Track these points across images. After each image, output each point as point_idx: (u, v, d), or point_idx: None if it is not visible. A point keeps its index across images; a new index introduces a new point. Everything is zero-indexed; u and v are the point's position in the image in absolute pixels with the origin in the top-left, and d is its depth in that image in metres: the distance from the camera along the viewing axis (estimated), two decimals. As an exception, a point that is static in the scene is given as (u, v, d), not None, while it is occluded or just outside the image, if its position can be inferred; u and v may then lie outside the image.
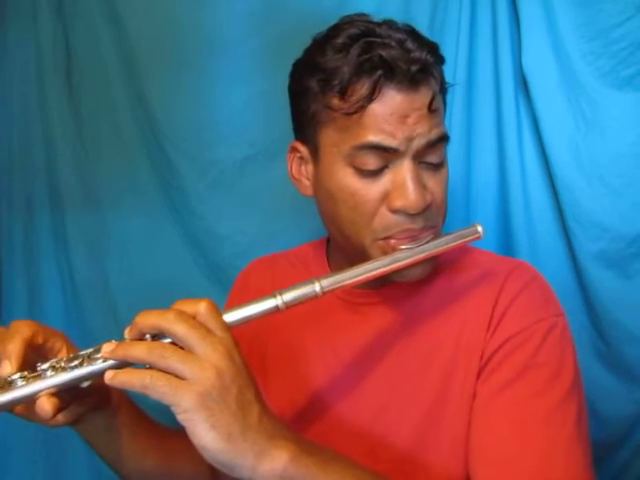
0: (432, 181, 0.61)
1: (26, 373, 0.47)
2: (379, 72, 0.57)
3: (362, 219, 0.61)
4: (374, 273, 0.58)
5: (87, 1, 1.22)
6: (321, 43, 0.63)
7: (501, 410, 0.58)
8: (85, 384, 0.48)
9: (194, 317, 0.46)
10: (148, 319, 0.46)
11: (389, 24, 0.61)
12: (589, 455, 0.58)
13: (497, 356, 0.61)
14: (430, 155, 0.60)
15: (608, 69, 0.98)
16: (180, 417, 0.43)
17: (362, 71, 0.58)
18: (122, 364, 0.46)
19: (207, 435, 0.43)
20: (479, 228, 0.61)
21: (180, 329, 0.44)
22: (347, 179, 0.60)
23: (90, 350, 0.48)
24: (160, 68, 1.19)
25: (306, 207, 1.15)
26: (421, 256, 0.59)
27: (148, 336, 0.46)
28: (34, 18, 1.25)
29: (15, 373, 0.47)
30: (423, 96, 0.59)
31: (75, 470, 1.28)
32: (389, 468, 0.62)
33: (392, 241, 0.60)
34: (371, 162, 0.59)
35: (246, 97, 1.17)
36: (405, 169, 0.59)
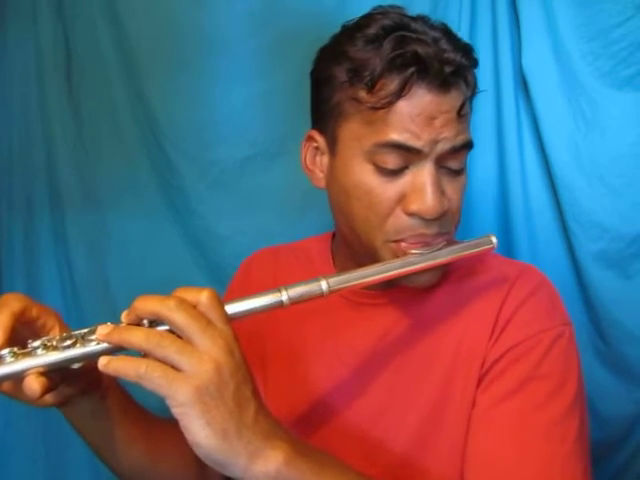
0: (450, 187, 0.59)
1: (16, 349, 0.45)
2: (412, 69, 0.54)
3: (376, 218, 0.59)
4: (383, 276, 0.56)
5: (87, 1, 1.22)
6: (352, 32, 0.59)
7: (499, 422, 0.57)
8: (76, 366, 0.46)
9: (195, 306, 0.44)
10: (148, 304, 0.44)
11: (424, 20, 0.59)
12: (588, 472, 0.56)
13: (499, 365, 0.59)
14: (452, 161, 0.59)
15: (608, 69, 0.99)
16: (174, 411, 0.41)
17: (394, 66, 0.55)
18: (117, 348, 0.44)
19: (201, 431, 0.41)
20: (493, 239, 0.60)
21: (180, 318, 0.42)
22: (365, 176, 0.58)
23: (84, 330, 0.46)
24: (160, 68, 1.19)
25: (306, 207, 1.16)
26: (433, 262, 0.58)
27: (145, 321, 0.44)
28: (34, 18, 1.25)
29: (2, 347, 0.45)
30: (453, 99, 0.57)
31: (75, 470, 1.28)
32: (386, 472, 0.62)
33: (403, 244, 0.59)
34: (392, 161, 0.57)
35: (246, 97, 1.17)
36: (426, 172, 0.57)
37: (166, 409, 0.42)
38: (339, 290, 0.52)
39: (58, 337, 0.46)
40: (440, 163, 0.58)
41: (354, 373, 0.67)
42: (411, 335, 0.65)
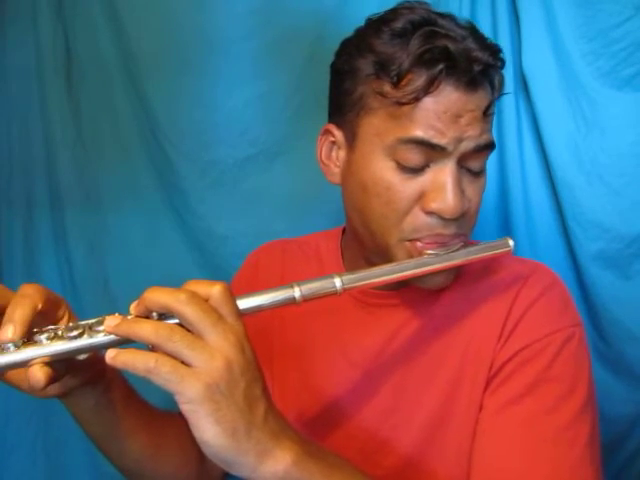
0: (470, 188, 0.58)
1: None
2: (440, 65, 0.53)
3: (393, 216, 0.57)
4: (398, 276, 0.55)
5: (87, 1, 1.22)
6: (377, 25, 0.58)
7: (507, 426, 0.56)
8: (82, 357, 0.45)
9: (206, 300, 0.43)
10: (158, 297, 0.42)
11: (451, 17, 0.58)
12: (600, 477, 0.55)
13: (507, 367, 0.58)
14: (474, 161, 0.57)
15: (608, 69, 0.99)
16: (183, 407, 0.40)
17: (422, 61, 0.54)
18: (124, 340, 0.43)
19: (210, 430, 0.40)
20: (510, 242, 0.59)
21: (191, 312, 0.41)
22: (385, 172, 0.57)
23: (92, 321, 0.45)
24: (160, 68, 1.19)
25: (307, 207, 1.16)
26: (448, 264, 0.57)
27: (154, 314, 0.43)
28: (34, 18, 1.25)
29: (17, 340, 0.43)
30: (479, 99, 0.56)
31: (75, 470, 1.28)
32: (391, 473, 0.62)
33: (419, 244, 0.57)
34: (414, 158, 0.55)
35: (246, 97, 1.17)
36: (448, 171, 0.56)
37: (168, 402, 0.42)
38: (353, 288, 0.51)
39: (64, 327, 0.45)
40: (462, 163, 0.57)
41: (362, 373, 0.66)
42: (420, 336, 0.64)
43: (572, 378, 0.57)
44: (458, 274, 0.65)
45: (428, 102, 0.54)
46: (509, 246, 0.59)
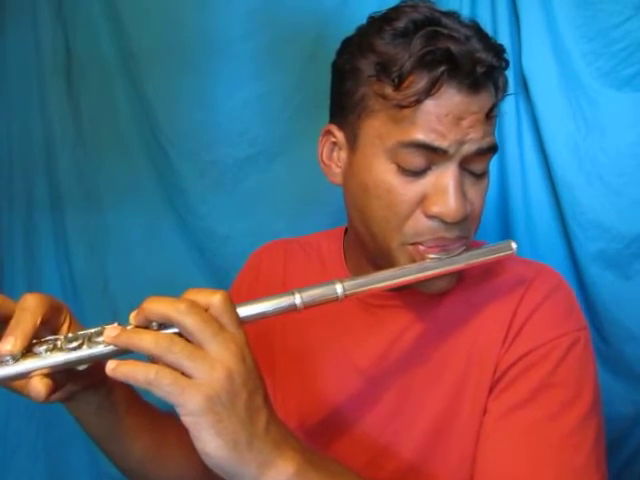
0: (473, 191, 0.57)
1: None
2: (442, 68, 0.52)
3: (395, 219, 0.56)
4: (400, 281, 0.54)
5: (87, 1, 1.22)
6: (379, 24, 0.56)
7: (511, 431, 0.55)
8: (82, 367, 0.44)
9: (207, 309, 0.42)
10: (158, 307, 0.42)
11: (455, 16, 0.56)
12: None
13: (512, 372, 0.57)
14: (476, 164, 0.56)
15: (608, 69, 0.99)
16: (184, 419, 0.40)
17: (424, 63, 0.52)
18: (124, 351, 0.43)
19: (212, 441, 0.40)
20: (513, 245, 0.58)
21: (191, 322, 0.40)
22: (386, 175, 0.56)
23: (91, 331, 0.45)
24: (160, 68, 1.19)
25: (307, 207, 1.16)
26: (450, 268, 0.56)
27: (154, 323, 0.43)
28: (34, 18, 1.25)
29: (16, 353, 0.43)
30: (482, 100, 0.55)
31: (76, 470, 1.28)
32: (393, 476, 0.62)
33: (421, 248, 0.57)
34: (415, 161, 0.54)
35: (246, 97, 1.17)
36: (449, 174, 0.55)
37: (168, 404, 0.41)
38: (354, 294, 0.50)
39: (64, 338, 0.45)
40: (464, 165, 0.56)
41: (365, 376, 0.66)
42: (424, 339, 0.63)
43: (577, 383, 0.56)
44: (461, 276, 0.64)
45: (429, 105, 0.53)
46: (512, 249, 0.58)
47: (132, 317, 0.43)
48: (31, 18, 1.25)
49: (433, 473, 0.60)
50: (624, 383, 1.03)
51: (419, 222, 0.56)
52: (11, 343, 0.43)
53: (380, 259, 0.60)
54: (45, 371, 0.44)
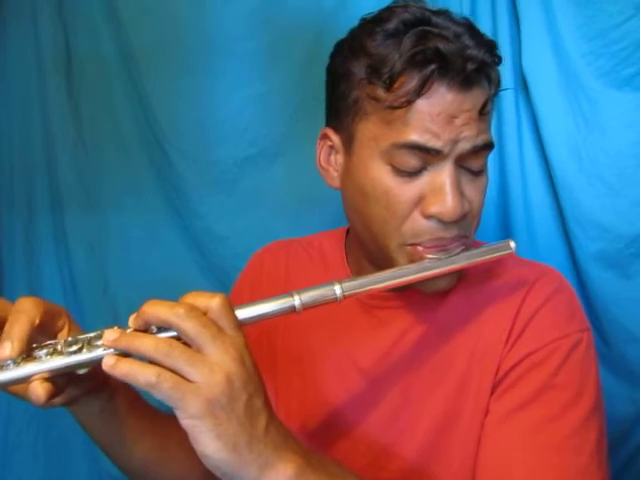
0: (471, 189, 0.57)
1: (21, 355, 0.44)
2: (432, 67, 0.52)
3: (393, 220, 0.56)
4: (399, 281, 0.54)
5: (87, 1, 1.22)
6: (371, 26, 0.56)
7: (513, 433, 0.55)
8: (82, 371, 0.44)
9: (205, 313, 0.42)
10: (156, 311, 0.42)
11: (446, 14, 0.56)
12: None
13: (514, 373, 0.57)
14: (472, 161, 0.56)
15: (608, 69, 0.99)
16: (184, 422, 0.40)
17: (414, 63, 0.52)
18: (123, 354, 0.43)
19: (211, 444, 0.40)
20: (512, 244, 0.58)
21: (190, 327, 0.41)
22: (382, 177, 0.56)
23: (91, 335, 0.45)
24: (160, 68, 1.19)
25: (307, 207, 1.16)
26: (450, 268, 0.55)
27: (154, 327, 0.43)
28: (34, 18, 1.25)
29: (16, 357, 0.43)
30: (475, 97, 0.54)
31: (75, 470, 1.29)
32: (395, 477, 0.62)
33: (420, 248, 0.56)
34: (410, 162, 0.54)
35: (246, 97, 1.17)
36: (445, 173, 0.54)
37: (170, 407, 0.42)
38: (354, 295, 0.50)
39: (64, 342, 0.45)
40: (460, 163, 0.55)
41: (367, 377, 0.66)
42: (425, 339, 0.63)
43: (579, 385, 0.56)
44: (462, 277, 0.64)
45: (421, 104, 0.53)
46: (511, 248, 0.58)
47: (131, 321, 0.44)
48: (31, 18, 1.25)
49: (435, 474, 0.60)
50: (624, 383, 1.03)
51: (417, 223, 0.56)
52: (8, 347, 0.43)
53: (380, 260, 0.60)
54: (45, 375, 0.44)
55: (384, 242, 0.58)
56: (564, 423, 0.54)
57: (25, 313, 0.45)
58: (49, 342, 0.45)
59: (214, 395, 0.40)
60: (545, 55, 1.01)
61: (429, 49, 0.52)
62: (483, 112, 0.55)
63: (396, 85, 0.53)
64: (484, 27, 1.05)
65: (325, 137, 0.64)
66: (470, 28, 0.55)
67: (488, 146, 0.56)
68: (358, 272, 0.69)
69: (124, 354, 0.43)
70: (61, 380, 0.47)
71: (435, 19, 0.54)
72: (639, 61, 0.97)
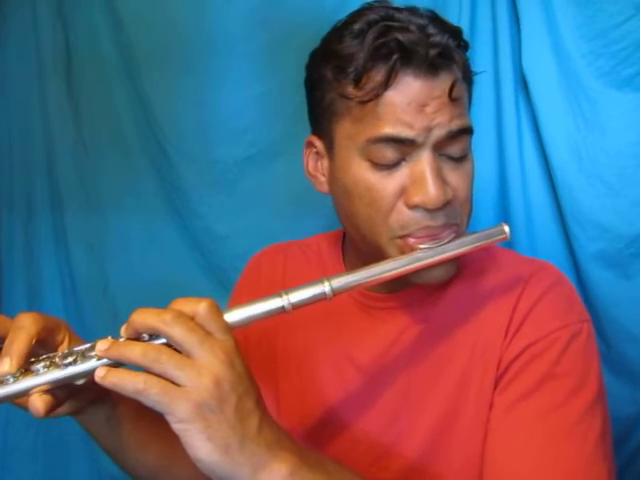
0: (454, 175, 0.56)
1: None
2: (395, 57, 0.53)
3: (378, 216, 0.57)
4: (390, 274, 0.53)
5: (87, 1, 1.23)
6: (339, 30, 0.58)
7: (517, 423, 0.55)
8: (80, 382, 0.45)
9: (193, 318, 0.43)
10: (144, 319, 0.43)
11: (411, 10, 0.57)
12: (613, 472, 0.54)
13: (515, 365, 0.57)
14: (451, 147, 0.56)
15: (608, 69, 0.99)
16: (175, 427, 0.40)
17: (378, 56, 0.53)
18: (117, 364, 0.44)
19: (203, 447, 0.40)
20: (506, 228, 0.56)
21: (177, 332, 0.41)
22: (362, 173, 0.56)
23: (85, 347, 0.46)
24: (160, 68, 1.19)
25: (307, 207, 1.16)
26: (442, 257, 0.55)
27: (145, 335, 0.44)
28: (34, 18, 1.25)
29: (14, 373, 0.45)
30: (443, 83, 0.54)
31: (75, 470, 1.28)
32: (397, 477, 0.61)
33: (411, 240, 0.56)
34: (387, 155, 0.55)
35: (246, 97, 1.17)
36: (424, 162, 0.54)
37: None
38: (344, 292, 0.50)
39: (60, 355, 0.46)
40: (439, 151, 0.55)
41: (366, 378, 0.66)
42: (424, 338, 0.63)
43: (581, 373, 0.56)
44: (461, 274, 0.64)
45: (391, 96, 0.53)
46: (505, 233, 0.56)
47: (123, 330, 0.44)
48: (31, 18, 1.26)
49: (438, 472, 0.60)
50: (624, 383, 1.03)
51: (403, 215, 0.56)
52: (7, 363, 0.44)
53: (375, 259, 0.60)
54: (44, 387, 0.45)
55: (374, 239, 0.58)
56: (568, 411, 0.54)
57: (24, 329, 0.47)
58: (47, 355, 0.47)
59: (202, 398, 0.40)
60: (545, 55, 1.01)
61: (391, 41, 0.53)
62: (453, 97, 0.55)
63: (363, 80, 0.54)
64: (484, 27, 1.06)
65: (310, 145, 0.65)
66: (434, 19, 0.56)
67: (465, 131, 0.56)
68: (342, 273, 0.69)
69: (117, 364, 0.43)
70: (61, 392, 0.48)
71: (398, 15, 0.55)
72: (639, 61, 0.97)
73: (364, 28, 0.55)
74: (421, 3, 1.05)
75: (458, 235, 0.57)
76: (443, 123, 0.54)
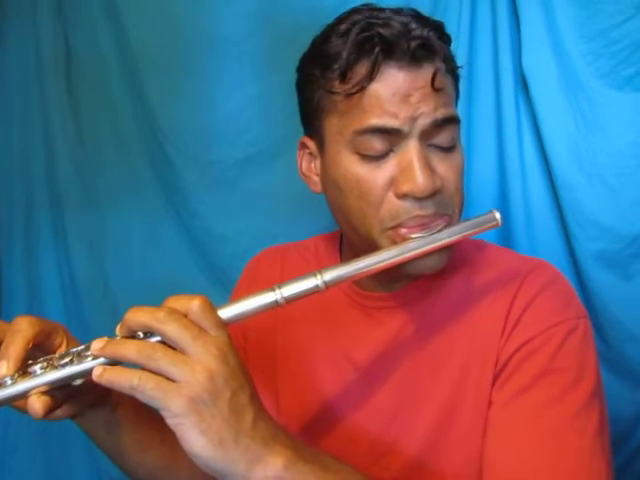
0: (443, 165, 0.57)
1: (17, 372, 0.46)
2: (377, 49, 0.55)
3: (369, 208, 0.57)
4: (382, 265, 0.53)
5: (87, 1, 1.22)
6: (326, 31, 0.61)
7: (515, 418, 0.55)
8: (78, 382, 0.46)
9: (186, 315, 0.44)
10: (138, 317, 0.43)
11: (394, 10, 0.59)
12: (610, 466, 0.54)
13: (513, 362, 0.58)
14: (438, 137, 0.57)
15: (608, 69, 0.99)
16: (169, 422, 0.41)
17: (361, 51, 0.56)
18: (112, 363, 0.44)
19: (197, 441, 0.41)
20: (497, 215, 0.56)
21: (171, 329, 0.42)
22: (352, 166, 0.58)
23: (81, 347, 0.46)
24: (160, 68, 1.19)
25: (306, 207, 1.16)
26: (433, 246, 0.55)
27: (140, 333, 0.44)
28: (34, 18, 1.25)
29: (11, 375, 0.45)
30: (426, 73, 0.56)
31: (75, 470, 1.28)
32: (398, 476, 0.62)
33: (402, 230, 0.57)
34: (375, 146, 0.56)
35: (246, 97, 1.17)
36: (411, 151, 0.55)
37: None
38: (336, 284, 0.51)
39: (57, 356, 0.46)
40: (426, 141, 0.57)
41: (364, 377, 0.66)
42: (421, 336, 0.64)
43: (578, 368, 0.56)
44: (456, 272, 0.64)
45: (375, 88, 0.55)
46: (496, 220, 0.56)
47: (118, 329, 0.45)
48: (31, 18, 1.25)
49: (439, 470, 0.60)
50: (624, 383, 1.03)
51: (393, 205, 0.57)
52: (4, 366, 0.45)
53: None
54: (42, 389, 0.45)
55: (367, 233, 0.59)
56: (565, 405, 0.54)
57: (20, 333, 0.48)
58: (44, 357, 0.47)
59: (196, 393, 0.41)
60: (545, 55, 1.01)
61: (374, 36, 0.55)
62: (436, 87, 0.56)
63: (349, 75, 0.56)
64: (484, 27, 1.06)
65: (303, 146, 0.66)
66: (415, 16, 0.58)
67: (451, 120, 0.58)
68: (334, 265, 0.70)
69: (114, 363, 0.44)
70: (59, 393, 0.48)
71: (382, 14, 0.57)
72: (639, 61, 0.97)
73: (349, 27, 0.57)
74: (421, 3, 1.06)
75: (449, 224, 0.58)
76: (427, 112, 0.55)
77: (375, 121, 0.55)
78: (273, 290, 0.48)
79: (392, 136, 0.56)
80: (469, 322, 0.62)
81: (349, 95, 0.56)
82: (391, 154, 0.57)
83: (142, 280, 1.23)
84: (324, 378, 0.69)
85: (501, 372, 0.59)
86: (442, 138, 0.57)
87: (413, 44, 0.55)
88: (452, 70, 0.60)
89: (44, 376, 0.45)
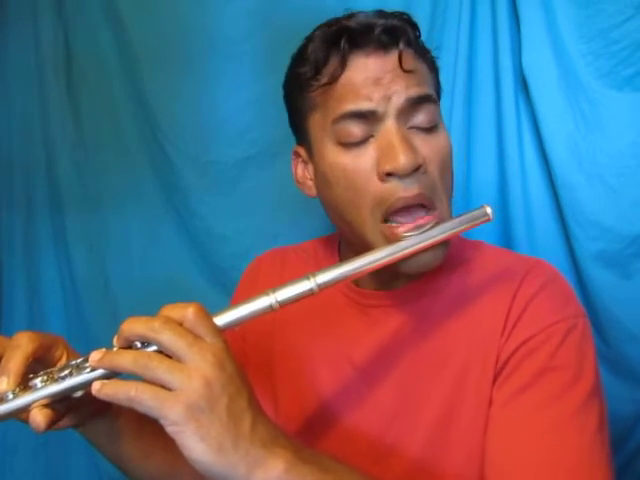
0: (425, 146, 0.58)
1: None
2: (343, 41, 0.58)
3: (357, 197, 0.58)
4: (375, 264, 0.54)
5: (87, 1, 1.23)
6: (304, 42, 0.64)
7: (515, 416, 0.56)
8: (78, 394, 0.47)
9: (182, 323, 0.44)
10: (134, 328, 0.44)
11: (367, 12, 0.61)
12: (610, 463, 0.54)
13: (513, 360, 0.58)
14: (416, 117, 0.58)
15: (608, 69, 0.98)
16: (168, 430, 0.42)
17: (330, 47, 0.59)
18: (111, 374, 0.45)
19: (197, 447, 0.41)
20: (488, 210, 0.56)
21: (166, 338, 0.43)
22: (336, 158, 0.59)
23: (80, 359, 0.47)
24: (160, 68, 1.19)
25: (306, 207, 1.16)
26: (426, 243, 0.56)
27: (138, 343, 0.45)
28: (34, 18, 1.25)
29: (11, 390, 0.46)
30: (394, 57, 0.58)
31: (75, 470, 1.29)
32: (400, 476, 0.62)
33: (397, 228, 0.57)
34: (353, 132, 0.58)
35: (246, 97, 1.17)
36: (390, 131, 0.57)
37: None
38: (330, 286, 0.51)
39: (57, 369, 0.47)
40: (406, 122, 0.58)
41: (364, 377, 0.66)
42: (421, 335, 0.64)
43: (577, 366, 0.57)
44: (455, 269, 0.65)
45: (347, 77, 0.58)
46: (487, 214, 0.57)
47: (115, 340, 0.46)
48: (31, 18, 1.26)
49: (440, 469, 0.61)
50: (624, 382, 1.03)
51: (378, 189, 0.58)
52: (5, 382, 0.46)
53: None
54: (43, 402, 0.46)
55: (359, 226, 0.60)
56: (565, 403, 0.55)
57: (20, 348, 0.48)
58: (44, 371, 0.48)
59: (193, 400, 0.41)
60: (545, 55, 1.01)
61: (339, 29, 0.59)
62: (406, 69, 0.58)
63: (322, 71, 0.60)
64: (484, 27, 1.06)
65: (297, 155, 0.68)
66: (380, 11, 0.61)
67: (426, 99, 0.59)
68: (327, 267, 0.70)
69: (112, 374, 0.45)
70: (60, 405, 0.48)
71: (354, 15, 0.61)
72: (639, 61, 0.97)
73: (324, 29, 0.61)
74: (421, 4, 1.06)
75: (440, 221, 0.58)
76: (400, 90, 0.57)
77: (350, 106, 0.57)
78: (267, 294, 0.48)
79: (369, 119, 0.57)
80: (468, 321, 0.62)
81: (324, 88, 0.59)
82: (371, 139, 0.58)
83: (142, 280, 1.23)
84: (323, 378, 0.69)
85: (502, 370, 0.59)
86: (421, 118, 0.59)
87: (377, 30, 0.58)
88: (424, 56, 0.62)
89: (45, 389, 0.46)
